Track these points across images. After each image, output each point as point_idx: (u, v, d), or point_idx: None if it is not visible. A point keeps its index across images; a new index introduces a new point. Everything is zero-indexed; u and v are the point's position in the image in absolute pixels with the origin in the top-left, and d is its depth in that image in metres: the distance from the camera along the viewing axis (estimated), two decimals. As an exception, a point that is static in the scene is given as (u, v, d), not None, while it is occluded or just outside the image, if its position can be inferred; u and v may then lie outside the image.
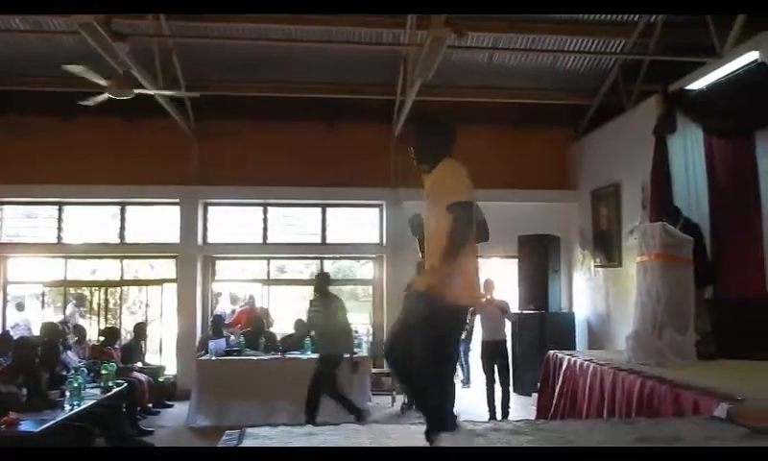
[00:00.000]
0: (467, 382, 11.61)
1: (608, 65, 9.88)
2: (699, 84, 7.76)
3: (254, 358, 8.32)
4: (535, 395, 8.33)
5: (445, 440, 3.37)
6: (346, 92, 10.26)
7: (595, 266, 10.23)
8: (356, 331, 9.49)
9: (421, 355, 3.39)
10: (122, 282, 11.43)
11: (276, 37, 8.86)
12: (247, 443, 4.08)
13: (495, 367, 8.57)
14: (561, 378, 7.51)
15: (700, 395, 4.86)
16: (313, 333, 8.10)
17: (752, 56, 6.69)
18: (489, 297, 8.90)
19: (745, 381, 5.44)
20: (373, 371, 9.76)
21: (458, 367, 12.00)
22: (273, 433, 4.40)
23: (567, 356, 7.59)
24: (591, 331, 10.32)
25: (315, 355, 8.54)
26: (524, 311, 10.36)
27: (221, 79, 9.91)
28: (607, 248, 9.73)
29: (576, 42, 9.30)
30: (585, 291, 10.64)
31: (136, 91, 7.88)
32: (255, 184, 10.66)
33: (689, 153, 7.94)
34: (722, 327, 7.20)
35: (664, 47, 8.70)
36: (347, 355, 7.83)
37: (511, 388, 8.73)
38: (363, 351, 8.98)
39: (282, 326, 10.26)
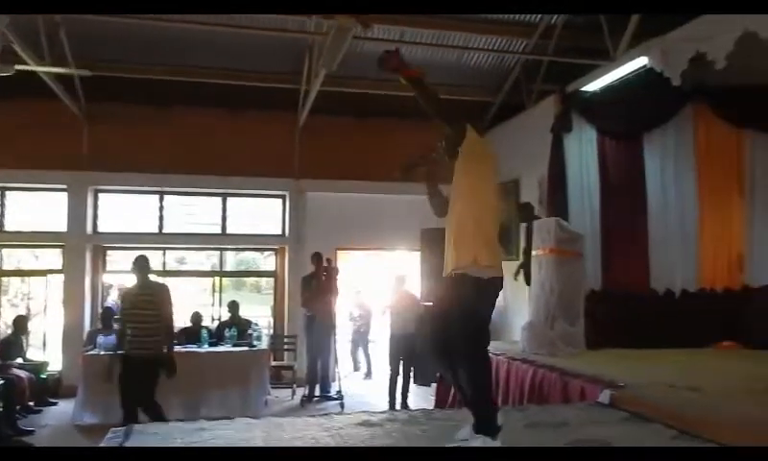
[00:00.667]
0: (368, 375, 11.69)
1: (510, 64, 10.10)
2: (593, 86, 8.05)
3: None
4: (434, 385, 8.44)
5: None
6: (249, 79, 10.01)
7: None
8: (256, 324, 9.32)
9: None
10: (1, 273, 10.68)
11: (177, 19, 8.50)
12: (133, 440, 3.89)
13: (402, 360, 8.64)
14: (458, 369, 7.63)
15: (586, 382, 5.06)
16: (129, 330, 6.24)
17: (641, 61, 6.98)
18: (400, 291, 9.01)
19: (628, 369, 5.69)
20: (273, 364, 9.61)
21: (361, 360, 12.10)
22: (162, 430, 4.22)
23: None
24: (492, 323, 10.52)
25: (213, 348, 8.35)
26: (425, 304, 10.44)
27: (115, 59, 9.40)
28: (506, 242, 9.96)
29: (481, 40, 9.46)
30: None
31: (18, 67, 7.36)
32: (151, 171, 10.22)
33: (584, 152, 8.21)
34: (612, 319, 7.55)
35: (563, 49, 8.98)
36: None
37: (412, 379, 8.83)
38: (263, 345, 8.81)
39: (181, 318, 9.90)
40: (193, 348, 8.32)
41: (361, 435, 3.78)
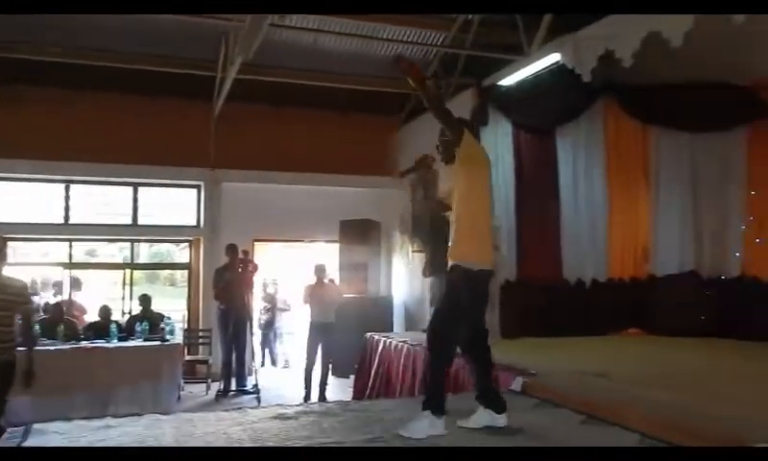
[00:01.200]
0: (274, 364, 11.68)
1: (429, 57, 10.17)
2: (509, 81, 8.20)
3: (51, 348, 7.58)
4: (353, 377, 8.43)
5: (418, 427, 3.55)
6: (163, 65, 9.67)
7: (413, 251, 10.53)
8: (169, 318, 9.05)
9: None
10: None
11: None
12: (32, 441, 3.69)
13: (320, 349, 8.62)
14: (377, 360, 7.66)
15: (501, 371, 5.13)
16: None
17: (554, 57, 7.16)
18: (319, 280, 8.94)
19: (541, 358, 5.85)
20: (187, 358, 9.36)
21: (278, 353, 11.99)
22: (65, 428, 4.02)
23: (384, 338, 7.76)
24: (408, 314, 10.62)
25: (122, 343, 8.04)
26: (344, 295, 10.42)
27: (20, 39, 8.84)
28: (424, 233, 10.06)
29: (399, 32, 9.48)
30: (403, 275, 10.93)
31: None
32: (56, 159, 9.72)
33: (499, 145, 8.36)
34: (527, 309, 7.74)
35: (481, 44, 9.12)
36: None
37: (330, 370, 8.80)
38: (176, 339, 8.54)
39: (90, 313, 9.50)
40: (101, 342, 7.97)
41: (275, 429, 3.71)
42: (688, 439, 3.26)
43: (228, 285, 8.86)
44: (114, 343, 7.99)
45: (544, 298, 7.99)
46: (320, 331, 8.63)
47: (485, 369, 3.91)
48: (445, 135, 4.02)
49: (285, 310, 12.18)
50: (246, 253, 9.03)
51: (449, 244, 3.89)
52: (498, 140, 8.46)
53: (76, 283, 10.39)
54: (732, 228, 7.89)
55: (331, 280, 9.25)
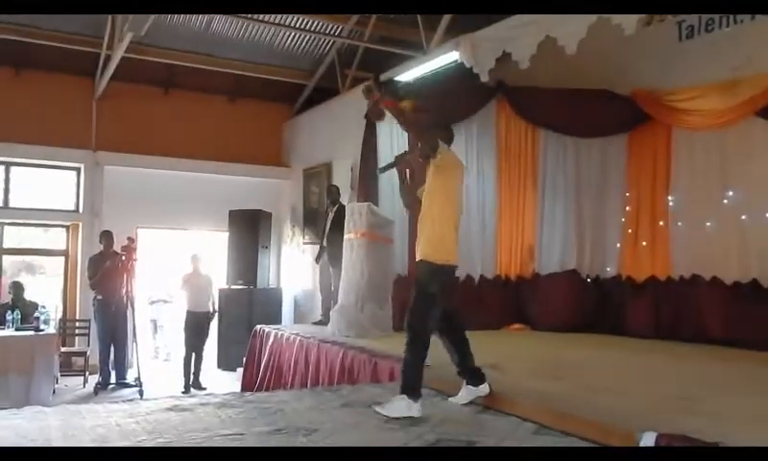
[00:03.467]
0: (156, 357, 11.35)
1: (326, 48, 10.12)
2: (406, 77, 8.29)
3: None
4: (240, 370, 8.25)
5: (396, 407, 3.79)
6: (37, 37, 9.02)
7: (304, 243, 10.44)
8: (43, 306, 8.47)
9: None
10: None
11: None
12: None
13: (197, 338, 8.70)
14: (267, 352, 7.53)
15: (396, 362, 5.18)
16: None
17: (453, 55, 7.30)
18: (195, 269, 8.83)
19: (433, 350, 5.94)
20: (63, 350, 8.80)
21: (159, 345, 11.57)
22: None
23: (275, 330, 7.64)
24: (298, 307, 10.52)
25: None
26: (232, 287, 10.19)
27: None
28: (316, 225, 9.98)
29: (294, 20, 9.34)
30: (293, 267, 10.81)
31: None
32: None
33: (395, 139, 8.44)
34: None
35: (378, 38, 9.17)
36: None
37: (204, 360, 8.87)
38: (51, 329, 8.00)
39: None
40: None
41: (172, 421, 3.55)
42: (579, 428, 3.41)
43: (106, 273, 8.41)
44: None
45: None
46: (195, 321, 8.76)
47: (462, 348, 4.26)
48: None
49: (167, 301, 11.78)
50: (131, 240, 8.60)
51: (419, 240, 4.13)
52: (394, 134, 8.54)
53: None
54: (611, 230, 8.35)
55: (202, 270, 9.08)
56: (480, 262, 8.46)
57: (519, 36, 6.10)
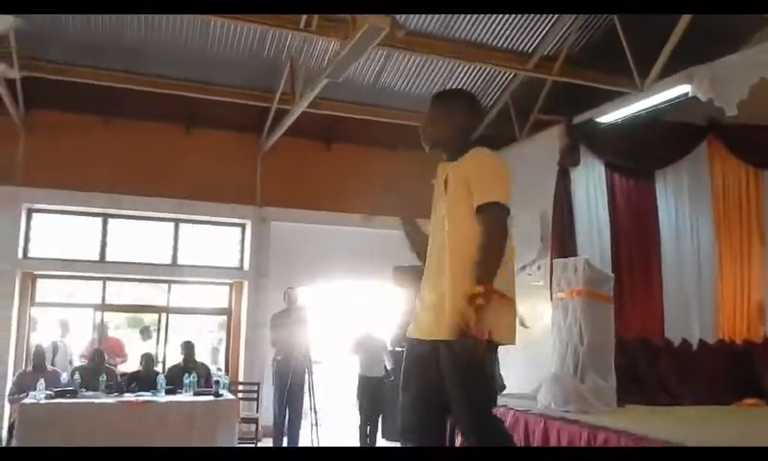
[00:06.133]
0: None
1: (497, 92, 9.39)
2: (609, 117, 7.56)
3: (95, 402, 6.59)
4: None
5: None
6: (208, 93, 8.84)
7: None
8: (219, 368, 8.10)
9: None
10: None
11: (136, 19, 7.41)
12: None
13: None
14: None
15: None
16: None
17: (680, 89, 6.46)
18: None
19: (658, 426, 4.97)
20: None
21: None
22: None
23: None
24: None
25: (173, 397, 7.07)
26: (397, 348, 9.43)
27: (61, 61, 8.03)
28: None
29: (464, 67, 8.76)
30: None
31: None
32: (94, 190, 8.88)
33: (591, 188, 7.66)
34: (628, 372, 6.90)
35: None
36: None
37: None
38: (228, 394, 7.51)
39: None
40: (148, 396, 7.00)
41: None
42: None
43: (290, 332, 7.94)
44: (163, 396, 7.03)
45: (646, 359, 7.17)
46: (368, 385, 8.20)
47: None
48: (444, 115, 3.03)
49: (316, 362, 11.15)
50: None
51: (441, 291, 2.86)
52: (590, 183, 7.76)
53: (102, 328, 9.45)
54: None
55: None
56: (698, 324, 7.41)
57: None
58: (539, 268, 8.04)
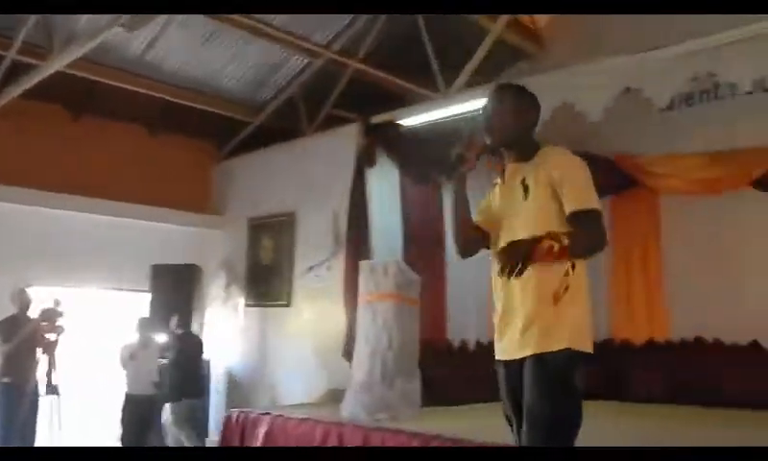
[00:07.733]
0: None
1: (283, 81, 8.74)
2: (411, 121, 7.59)
3: None
4: None
5: None
6: None
7: (247, 305, 8.86)
8: None
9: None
10: None
11: None
12: None
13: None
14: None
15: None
16: None
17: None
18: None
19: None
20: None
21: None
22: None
23: (267, 416, 6.10)
24: (234, 382, 8.78)
25: None
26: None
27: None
28: (271, 285, 8.52)
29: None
30: (227, 335, 9.06)
31: None
32: None
33: (385, 190, 7.58)
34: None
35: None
36: None
37: None
38: None
39: None
40: None
41: None
42: None
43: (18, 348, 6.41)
44: None
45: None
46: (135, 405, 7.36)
47: None
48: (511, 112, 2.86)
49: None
50: (57, 303, 6.68)
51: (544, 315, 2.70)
52: (384, 184, 7.67)
53: None
54: (599, 292, 7.92)
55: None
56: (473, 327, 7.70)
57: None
58: (328, 269, 7.66)
